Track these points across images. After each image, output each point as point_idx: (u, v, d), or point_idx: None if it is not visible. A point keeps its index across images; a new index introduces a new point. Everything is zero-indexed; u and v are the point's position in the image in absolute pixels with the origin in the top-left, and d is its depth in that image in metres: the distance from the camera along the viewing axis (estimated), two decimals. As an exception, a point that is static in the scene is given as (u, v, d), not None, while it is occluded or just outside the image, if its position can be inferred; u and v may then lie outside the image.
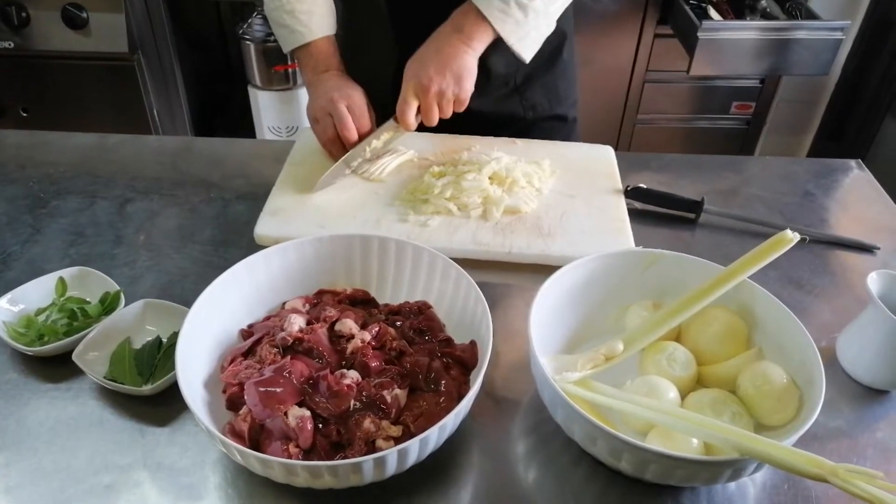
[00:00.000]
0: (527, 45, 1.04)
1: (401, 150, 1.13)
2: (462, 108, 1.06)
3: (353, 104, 1.08)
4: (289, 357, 0.73)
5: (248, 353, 0.76)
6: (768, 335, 0.78)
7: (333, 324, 0.78)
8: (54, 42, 1.99)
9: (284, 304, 0.84)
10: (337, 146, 1.10)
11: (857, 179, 1.21)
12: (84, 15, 1.95)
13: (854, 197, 1.18)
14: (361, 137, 1.09)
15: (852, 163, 1.25)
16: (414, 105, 1.03)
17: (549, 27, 1.06)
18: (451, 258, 0.83)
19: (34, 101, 2.13)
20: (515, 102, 1.08)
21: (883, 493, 0.57)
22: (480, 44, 1.03)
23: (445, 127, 1.08)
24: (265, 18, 2.12)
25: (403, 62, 1.05)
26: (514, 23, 1.01)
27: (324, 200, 1.05)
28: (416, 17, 1.19)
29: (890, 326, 0.77)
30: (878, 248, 1.04)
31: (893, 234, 1.08)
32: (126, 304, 0.85)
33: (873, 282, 0.81)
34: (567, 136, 1.30)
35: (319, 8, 1.11)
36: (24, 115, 2.14)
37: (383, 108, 1.13)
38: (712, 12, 2.11)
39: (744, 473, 0.65)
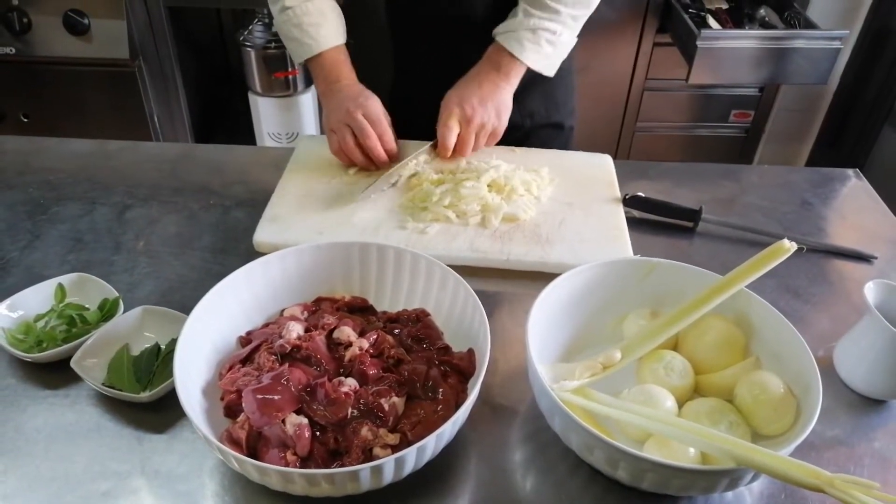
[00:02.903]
0: (554, 68, 1.12)
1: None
2: (494, 143, 1.13)
3: (368, 113, 1.09)
4: (287, 364, 0.73)
5: (247, 360, 0.76)
6: (765, 344, 0.78)
7: (332, 331, 0.78)
8: (56, 48, 1.99)
9: (283, 311, 0.85)
10: (356, 154, 1.10)
11: (854, 188, 1.22)
12: (85, 21, 1.96)
13: (852, 206, 1.18)
14: (383, 143, 1.10)
15: (850, 172, 1.25)
16: (456, 131, 1.08)
17: (572, 45, 1.13)
18: (449, 265, 0.83)
19: (35, 107, 2.14)
20: (514, 110, 1.10)
21: (879, 503, 0.57)
22: (516, 78, 1.10)
23: (446, 158, 1.10)
24: (265, 25, 2.14)
25: (401, 81, 1.06)
26: (545, 57, 1.09)
27: (323, 207, 1.05)
28: (417, 37, 1.20)
29: (887, 336, 0.78)
30: (876, 258, 1.04)
31: (891, 243, 1.08)
32: (125, 311, 0.85)
33: (870, 291, 0.81)
34: (564, 145, 1.30)
35: (327, 19, 1.12)
36: (25, 120, 2.15)
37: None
38: (711, 21, 2.12)
39: (741, 483, 0.65)
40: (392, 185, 1.10)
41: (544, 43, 1.06)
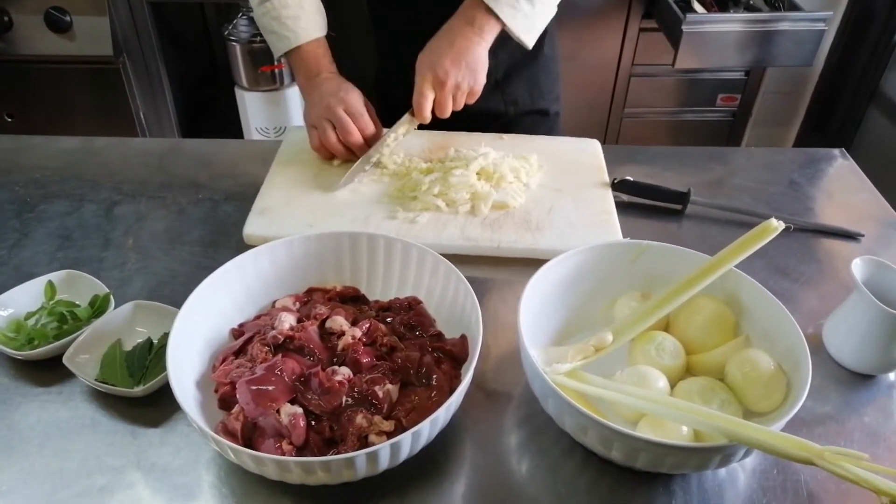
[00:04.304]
0: (532, 34, 1.07)
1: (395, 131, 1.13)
2: (474, 101, 1.08)
3: (350, 107, 1.08)
4: (280, 355, 0.73)
5: (240, 352, 0.76)
6: (755, 323, 0.79)
7: (324, 321, 0.78)
8: (38, 46, 1.97)
9: (275, 302, 0.85)
10: (338, 150, 1.10)
11: (840, 168, 1.23)
12: (67, 18, 1.94)
13: (838, 185, 1.19)
14: (365, 137, 1.09)
15: (836, 152, 1.26)
16: (430, 97, 1.05)
17: (552, 13, 1.08)
18: (440, 254, 0.83)
19: (19, 107, 2.12)
20: (497, 98, 1.10)
21: (868, 474, 0.58)
22: (491, 35, 1.05)
23: (428, 123, 1.09)
24: (250, 19, 2.12)
25: (384, 68, 1.06)
26: (522, 16, 1.03)
27: (313, 199, 1.05)
28: (398, 26, 1.19)
29: (875, 312, 0.78)
30: (863, 235, 1.05)
31: (877, 221, 1.09)
32: (116, 307, 0.85)
33: (857, 268, 0.82)
34: (549, 131, 1.30)
35: (305, 12, 1.11)
36: (9, 120, 2.13)
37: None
38: (696, 5, 2.12)
39: (733, 459, 0.65)
40: (373, 165, 1.09)
41: None
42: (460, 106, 1.07)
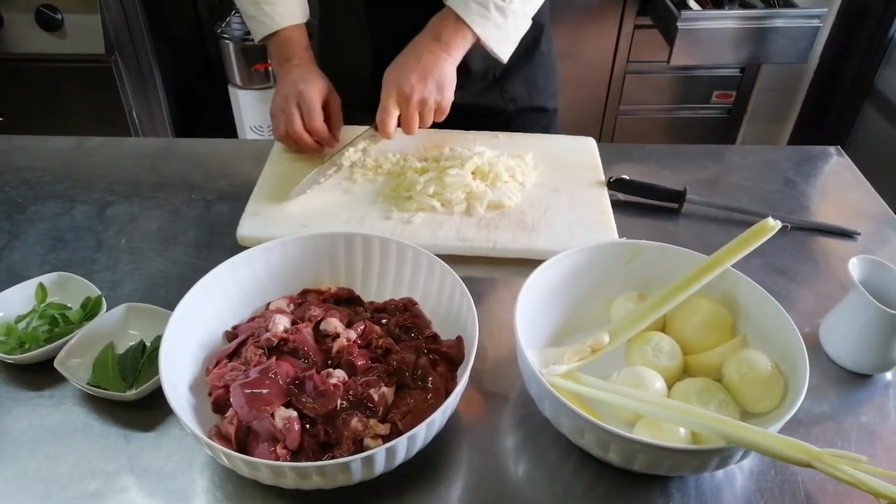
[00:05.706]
0: (506, 46, 1.05)
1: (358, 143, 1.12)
2: (442, 118, 1.07)
3: (303, 101, 1.07)
4: (274, 358, 0.72)
5: (233, 354, 0.76)
6: (752, 323, 0.79)
7: (318, 323, 0.78)
8: (29, 44, 1.96)
9: (269, 304, 0.84)
10: (289, 142, 1.10)
11: (836, 166, 1.22)
12: (58, 16, 1.92)
13: (834, 183, 1.19)
14: (310, 133, 1.08)
15: (831, 149, 1.26)
16: (395, 114, 1.03)
17: (526, 26, 1.07)
18: (435, 254, 0.82)
19: (10, 106, 2.10)
20: (495, 95, 1.08)
21: (867, 476, 0.57)
22: (460, 51, 1.03)
23: (391, 140, 1.08)
24: (243, 17, 2.11)
25: (379, 62, 1.05)
26: (494, 26, 1.02)
27: (306, 199, 1.04)
28: (393, 17, 1.18)
29: (872, 311, 0.78)
30: (859, 234, 1.05)
31: (874, 219, 1.09)
32: (108, 309, 0.84)
33: (854, 267, 0.81)
34: (548, 128, 1.30)
35: None
36: (0, 119, 2.11)
37: (362, 105, 1.12)
38: (691, 2, 2.11)
39: (731, 461, 0.65)
40: (329, 177, 1.08)
41: (493, 8, 1.00)
42: (427, 123, 1.06)
